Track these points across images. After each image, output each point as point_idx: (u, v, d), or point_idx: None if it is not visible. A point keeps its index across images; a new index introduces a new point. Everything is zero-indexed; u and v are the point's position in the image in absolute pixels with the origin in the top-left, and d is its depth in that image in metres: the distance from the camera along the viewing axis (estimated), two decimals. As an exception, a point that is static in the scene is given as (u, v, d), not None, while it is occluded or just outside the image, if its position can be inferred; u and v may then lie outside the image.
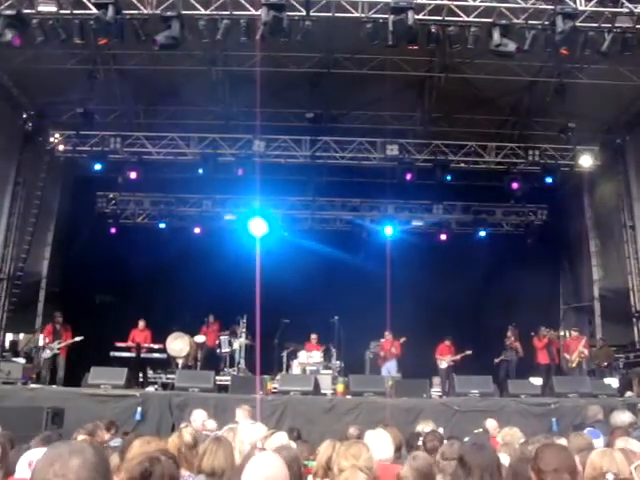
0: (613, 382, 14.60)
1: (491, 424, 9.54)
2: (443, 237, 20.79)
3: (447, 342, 16.63)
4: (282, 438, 5.90)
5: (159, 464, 3.36)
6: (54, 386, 14.09)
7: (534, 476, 3.50)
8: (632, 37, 11.52)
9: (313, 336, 16.85)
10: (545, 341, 16.21)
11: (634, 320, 16.93)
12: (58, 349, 15.07)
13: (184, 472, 4.37)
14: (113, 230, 20.55)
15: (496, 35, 11.37)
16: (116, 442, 7.01)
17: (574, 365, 15.90)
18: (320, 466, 5.21)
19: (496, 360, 16.40)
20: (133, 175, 17.76)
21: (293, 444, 5.70)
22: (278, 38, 11.74)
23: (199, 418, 8.95)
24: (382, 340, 17.00)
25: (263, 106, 17.32)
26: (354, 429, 8.02)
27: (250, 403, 10.69)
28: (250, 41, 12.23)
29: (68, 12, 11.35)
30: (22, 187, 16.85)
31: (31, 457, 3.35)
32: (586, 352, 16.03)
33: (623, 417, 8.21)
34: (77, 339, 15.21)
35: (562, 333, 17.54)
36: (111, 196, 20.94)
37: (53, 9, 11.33)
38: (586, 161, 17.53)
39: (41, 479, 1.84)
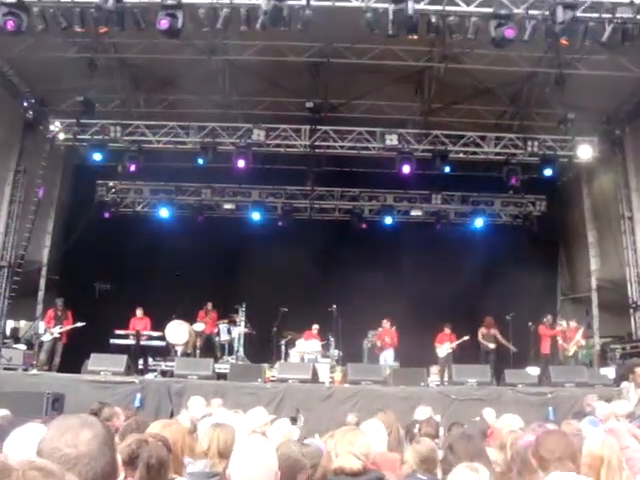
0: (609, 372, 14.71)
1: (489, 413, 9.64)
2: (441, 227, 20.83)
3: (447, 330, 16.53)
4: (284, 425, 5.97)
5: (146, 446, 3.40)
6: (54, 372, 14.18)
7: (535, 462, 3.54)
8: (632, 27, 11.49)
9: (315, 326, 16.72)
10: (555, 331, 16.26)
11: (631, 311, 16.99)
12: (59, 334, 15.15)
13: (187, 458, 4.41)
14: (113, 219, 20.56)
15: (492, 28, 11.38)
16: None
17: (571, 354, 16.00)
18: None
19: (465, 338, 16.41)
20: (133, 166, 17.78)
21: (296, 430, 5.76)
22: (278, 27, 11.73)
23: (197, 405, 8.95)
24: (380, 329, 17.01)
25: (263, 95, 17.43)
26: (353, 417, 8.09)
27: (249, 390, 10.78)
28: (250, 30, 12.22)
29: (69, 0, 11.32)
30: (23, 175, 16.84)
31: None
32: (583, 342, 16.14)
33: (622, 407, 8.26)
34: (79, 324, 15.30)
35: (561, 323, 17.55)
36: (111, 184, 20.97)
37: (54, -3, 11.32)
38: (585, 152, 17.50)
39: (51, 448, 1.84)
